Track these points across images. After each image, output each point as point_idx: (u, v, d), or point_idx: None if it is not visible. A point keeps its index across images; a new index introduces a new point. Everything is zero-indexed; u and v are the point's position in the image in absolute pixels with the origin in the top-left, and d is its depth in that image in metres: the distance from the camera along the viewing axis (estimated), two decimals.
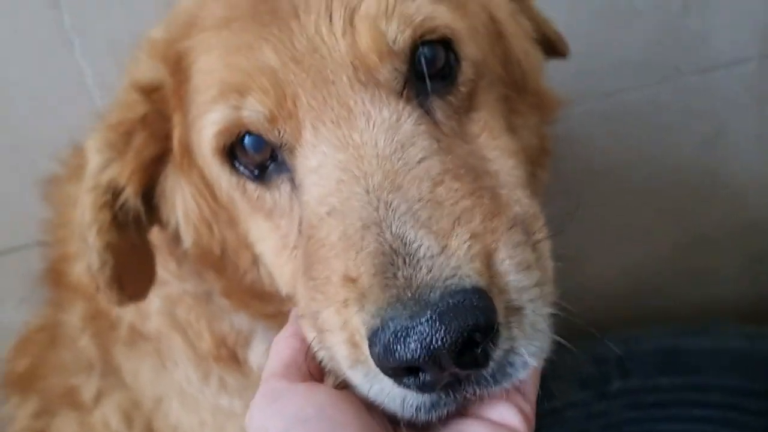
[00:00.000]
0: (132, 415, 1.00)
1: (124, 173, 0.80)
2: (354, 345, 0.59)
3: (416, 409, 0.59)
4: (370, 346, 0.56)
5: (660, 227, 1.62)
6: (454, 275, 0.56)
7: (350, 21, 0.69)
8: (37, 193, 1.35)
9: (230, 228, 0.82)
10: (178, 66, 0.77)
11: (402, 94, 0.69)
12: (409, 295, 0.55)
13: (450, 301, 0.54)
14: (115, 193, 0.80)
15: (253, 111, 0.69)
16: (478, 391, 0.58)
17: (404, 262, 0.57)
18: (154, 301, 0.95)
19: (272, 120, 0.69)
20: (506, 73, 0.82)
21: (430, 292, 0.55)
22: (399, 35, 0.68)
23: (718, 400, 1.32)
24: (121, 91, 0.83)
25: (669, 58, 1.45)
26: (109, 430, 1.00)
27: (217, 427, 0.98)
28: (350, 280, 0.60)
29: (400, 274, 0.56)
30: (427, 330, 0.53)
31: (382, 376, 0.58)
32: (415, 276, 0.56)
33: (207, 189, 0.80)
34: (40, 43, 1.27)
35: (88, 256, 0.82)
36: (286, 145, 0.70)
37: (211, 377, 0.97)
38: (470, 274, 0.56)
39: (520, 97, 0.84)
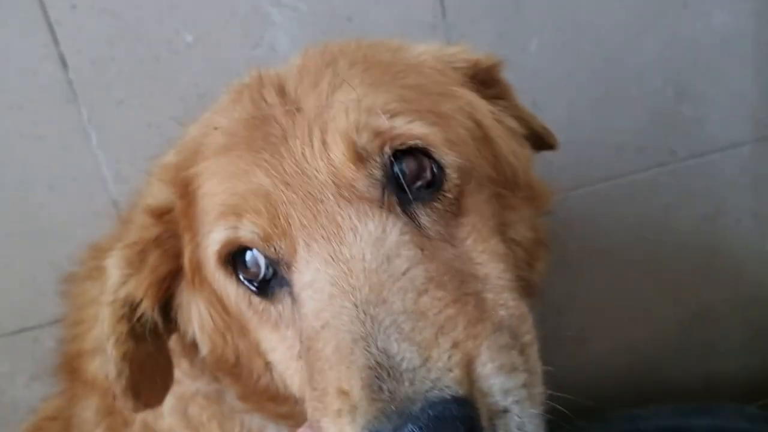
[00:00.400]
0: None
1: (140, 288, 0.84)
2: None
3: None
4: None
5: (661, 305, 1.64)
6: (433, 387, 0.59)
7: (324, 140, 0.73)
8: (50, 276, 1.41)
9: (242, 337, 0.85)
10: (186, 190, 0.82)
11: (383, 204, 0.72)
12: (393, 408, 0.58)
13: (430, 412, 0.57)
14: (132, 306, 0.84)
15: (249, 231, 0.73)
16: None
17: (389, 375, 0.60)
18: (168, 399, 0.98)
19: (267, 238, 0.73)
20: (496, 172, 0.85)
21: (412, 404, 0.58)
22: (368, 143, 0.73)
23: None
24: (137, 213, 0.88)
25: (665, 143, 1.50)
26: None
27: None
28: (343, 393, 0.63)
29: (385, 387, 0.59)
30: None
31: None
32: (398, 389, 0.59)
33: (218, 302, 0.84)
34: (58, 135, 1.32)
35: (107, 365, 0.85)
36: (283, 260, 0.74)
37: None
38: (449, 384, 0.59)
39: (512, 193, 0.87)
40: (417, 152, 0.75)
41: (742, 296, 1.67)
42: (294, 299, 0.75)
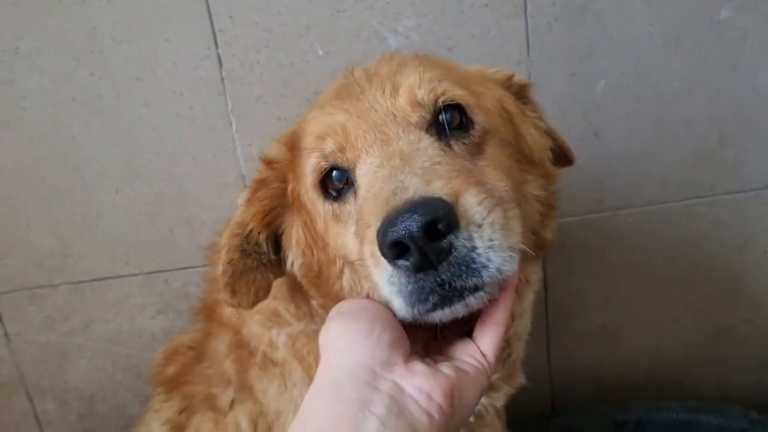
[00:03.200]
0: (258, 421, 1.27)
1: (248, 215, 1.12)
2: (373, 255, 0.87)
3: (415, 295, 0.84)
4: (377, 243, 0.83)
5: (687, 318, 1.87)
6: (427, 193, 0.83)
7: (395, 90, 1.03)
8: (185, 232, 1.72)
9: (323, 250, 1.11)
10: (294, 145, 1.11)
11: (425, 130, 1.01)
12: (400, 206, 0.82)
13: (422, 201, 0.81)
14: (243, 228, 1.12)
15: (330, 147, 1.02)
16: (453, 282, 0.83)
17: (402, 192, 0.85)
18: (281, 336, 1.24)
19: (341, 149, 1.01)
20: (517, 144, 1.11)
21: (412, 200, 0.82)
22: (425, 96, 1.02)
23: None
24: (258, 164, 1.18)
25: (705, 179, 1.72)
26: (239, 430, 1.28)
27: None
28: (380, 216, 0.86)
29: (398, 198, 0.84)
30: (407, 218, 0.79)
31: (385, 263, 0.84)
32: (406, 198, 0.83)
33: (310, 222, 1.10)
34: (207, 119, 1.64)
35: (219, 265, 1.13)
36: (351, 167, 1.02)
37: None
38: (439, 194, 0.83)
39: (528, 164, 1.13)
40: (456, 108, 1.03)
41: (762, 320, 1.88)
42: (356, 195, 1.01)
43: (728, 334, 1.90)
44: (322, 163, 1.03)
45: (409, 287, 0.85)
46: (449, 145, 1.01)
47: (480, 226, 0.84)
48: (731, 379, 1.94)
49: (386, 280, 0.87)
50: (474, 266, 0.83)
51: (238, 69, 1.60)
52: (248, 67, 1.60)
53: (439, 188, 0.84)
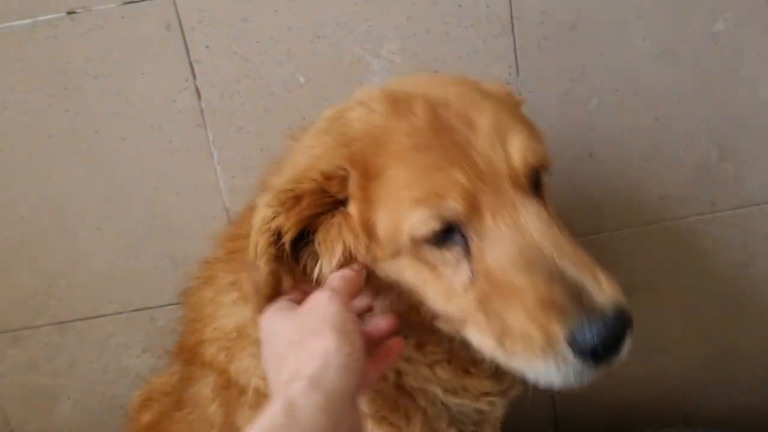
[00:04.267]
0: None
1: (288, 223, 1.05)
2: (551, 346, 0.92)
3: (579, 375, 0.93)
4: (570, 342, 0.90)
5: (691, 339, 1.82)
6: (612, 299, 0.92)
7: (506, 151, 1.02)
8: (169, 267, 1.68)
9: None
10: (366, 168, 1.04)
11: (533, 195, 1.02)
12: (592, 314, 0.90)
13: (616, 318, 0.91)
14: (279, 236, 1.06)
15: (451, 207, 0.97)
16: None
17: (582, 292, 0.91)
18: None
19: (465, 215, 0.98)
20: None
21: (604, 311, 0.91)
22: (532, 159, 1.03)
23: None
24: (299, 169, 1.09)
25: (706, 195, 1.67)
26: None
27: None
28: (550, 304, 0.91)
29: (583, 299, 0.91)
30: (603, 333, 0.90)
31: (571, 359, 0.91)
32: (591, 300, 0.91)
33: (371, 248, 1.06)
34: (187, 152, 1.59)
35: (252, 278, 1.08)
36: (470, 227, 0.99)
37: None
38: (618, 298, 0.92)
39: None
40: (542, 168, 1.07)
41: (767, 338, 1.83)
42: (468, 252, 1.00)
43: (735, 354, 1.85)
44: (435, 223, 0.99)
45: (581, 371, 0.94)
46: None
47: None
48: (740, 400, 1.89)
49: (562, 370, 0.94)
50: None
51: (218, 100, 1.56)
52: (228, 97, 1.56)
53: (606, 282, 0.94)
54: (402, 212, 1.01)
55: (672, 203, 1.68)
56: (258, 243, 1.07)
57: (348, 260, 1.07)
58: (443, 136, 1.02)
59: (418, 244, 1.01)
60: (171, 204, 1.64)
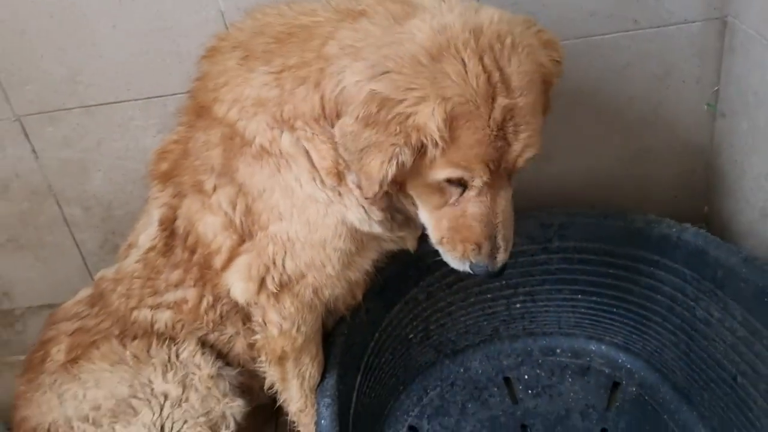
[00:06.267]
0: (237, 201, 1.57)
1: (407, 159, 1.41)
2: (463, 260, 1.51)
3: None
4: (471, 266, 1.51)
5: (611, 141, 2.15)
6: (503, 260, 1.51)
7: (522, 152, 1.41)
8: (174, 61, 1.99)
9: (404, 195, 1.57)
10: (453, 127, 1.35)
11: (511, 182, 1.49)
12: (493, 269, 1.52)
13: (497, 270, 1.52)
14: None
15: (477, 172, 1.40)
16: None
17: (495, 248, 1.49)
18: (289, 138, 1.49)
19: (477, 176, 1.41)
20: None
21: (496, 268, 1.51)
22: (529, 158, 1.43)
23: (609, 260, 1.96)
24: (404, 124, 1.35)
25: (629, 13, 1.92)
26: (220, 209, 1.59)
27: (302, 207, 1.52)
28: (477, 245, 1.48)
29: (492, 254, 1.50)
30: (492, 274, 1.53)
31: (465, 263, 1.52)
32: (495, 268, 1.51)
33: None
34: None
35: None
36: (473, 188, 1.44)
37: (316, 178, 1.50)
38: (505, 259, 1.52)
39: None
40: None
41: (678, 142, 2.14)
42: (462, 195, 1.46)
43: (648, 155, 2.17)
44: (470, 175, 1.42)
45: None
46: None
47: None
48: (652, 194, 2.24)
49: (457, 263, 1.54)
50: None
51: None
52: None
53: (505, 254, 1.51)
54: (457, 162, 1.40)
55: (599, 19, 1.93)
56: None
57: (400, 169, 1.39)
58: (499, 133, 1.37)
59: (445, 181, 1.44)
60: (174, 6, 1.93)
